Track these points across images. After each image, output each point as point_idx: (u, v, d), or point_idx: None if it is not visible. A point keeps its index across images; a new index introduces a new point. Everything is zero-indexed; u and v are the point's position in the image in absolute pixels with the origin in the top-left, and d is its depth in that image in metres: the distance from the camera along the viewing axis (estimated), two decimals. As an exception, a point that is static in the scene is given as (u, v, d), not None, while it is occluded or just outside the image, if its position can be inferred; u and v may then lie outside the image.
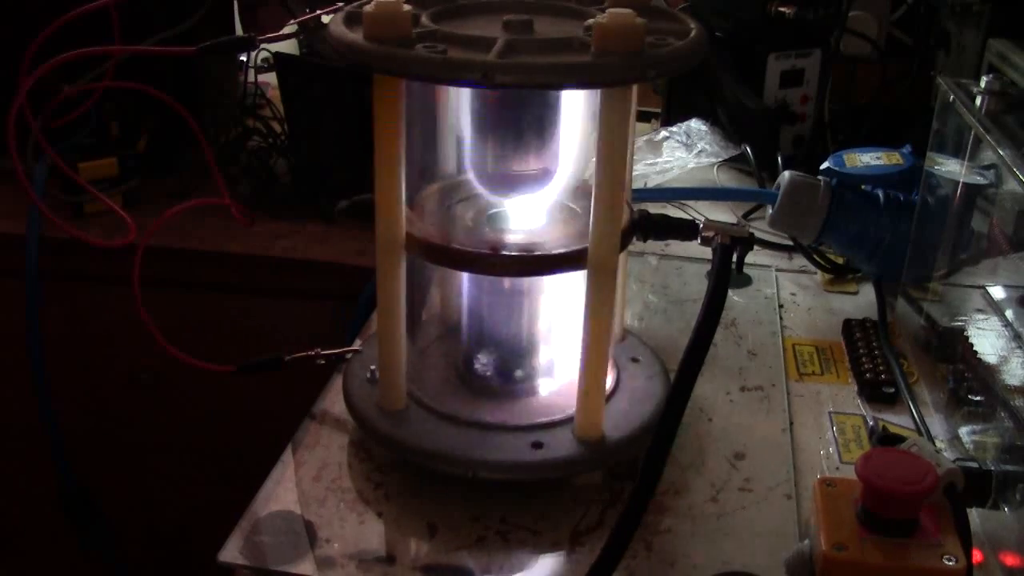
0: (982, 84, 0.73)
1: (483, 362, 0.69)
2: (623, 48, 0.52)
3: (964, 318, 0.81)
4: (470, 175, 0.68)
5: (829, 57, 1.16)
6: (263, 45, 0.80)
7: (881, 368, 0.78)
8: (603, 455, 0.63)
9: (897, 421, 0.73)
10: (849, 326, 0.85)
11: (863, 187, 0.87)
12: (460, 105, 0.63)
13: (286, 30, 0.78)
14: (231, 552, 0.58)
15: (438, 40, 0.54)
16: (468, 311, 0.69)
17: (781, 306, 0.90)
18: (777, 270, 0.96)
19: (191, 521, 1.25)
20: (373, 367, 0.68)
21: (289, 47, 1.16)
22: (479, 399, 0.68)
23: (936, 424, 0.72)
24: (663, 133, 1.16)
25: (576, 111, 0.62)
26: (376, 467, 0.66)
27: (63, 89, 0.98)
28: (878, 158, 0.88)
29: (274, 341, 0.76)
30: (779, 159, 1.05)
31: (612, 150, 0.56)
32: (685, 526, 0.62)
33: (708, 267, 0.59)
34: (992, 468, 0.59)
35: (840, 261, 0.94)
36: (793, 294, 0.92)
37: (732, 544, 0.61)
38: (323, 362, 0.73)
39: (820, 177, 0.87)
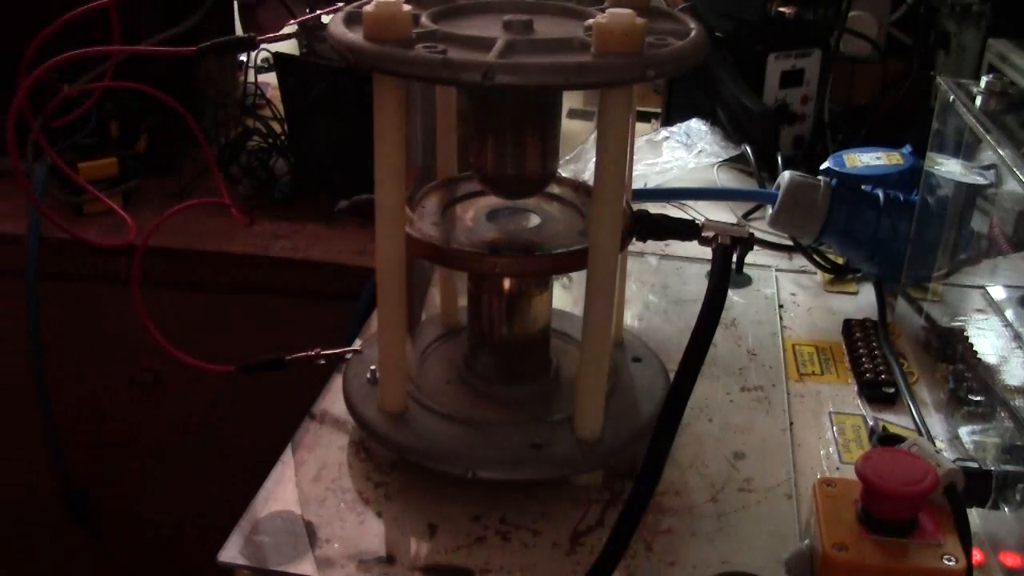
0: (982, 84, 0.73)
1: (483, 362, 0.69)
2: (623, 48, 0.52)
3: (964, 318, 0.81)
4: (470, 175, 0.68)
5: (829, 57, 1.16)
6: (263, 45, 0.80)
7: (881, 368, 0.78)
8: (603, 455, 0.63)
9: (897, 421, 0.73)
10: (849, 326, 0.85)
11: (863, 187, 0.87)
12: (460, 105, 0.63)
13: (286, 30, 0.78)
14: (231, 552, 0.58)
15: (438, 40, 0.54)
16: (468, 311, 0.69)
17: (781, 306, 0.90)
18: (777, 270, 0.96)
19: (191, 521, 1.25)
20: (373, 367, 0.68)
21: (289, 47, 1.16)
22: (479, 399, 0.68)
23: (936, 424, 0.72)
24: (663, 133, 1.16)
25: (575, 111, 0.62)
26: (376, 467, 0.66)
27: (63, 89, 0.98)
28: (878, 158, 0.88)
29: (274, 341, 0.76)
30: (779, 159, 1.05)
31: (612, 150, 0.56)
32: (685, 526, 0.62)
33: (708, 267, 0.59)
34: (992, 468, 0.59)
35: (840, 261, 0.94)
36: (793, 294, 0.92)
37: (732, 544, 0.61)
38: (323, 362, 0.73)
39: (820, 177, 0.87)
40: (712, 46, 1.17)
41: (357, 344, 0.74)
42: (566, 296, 0.84)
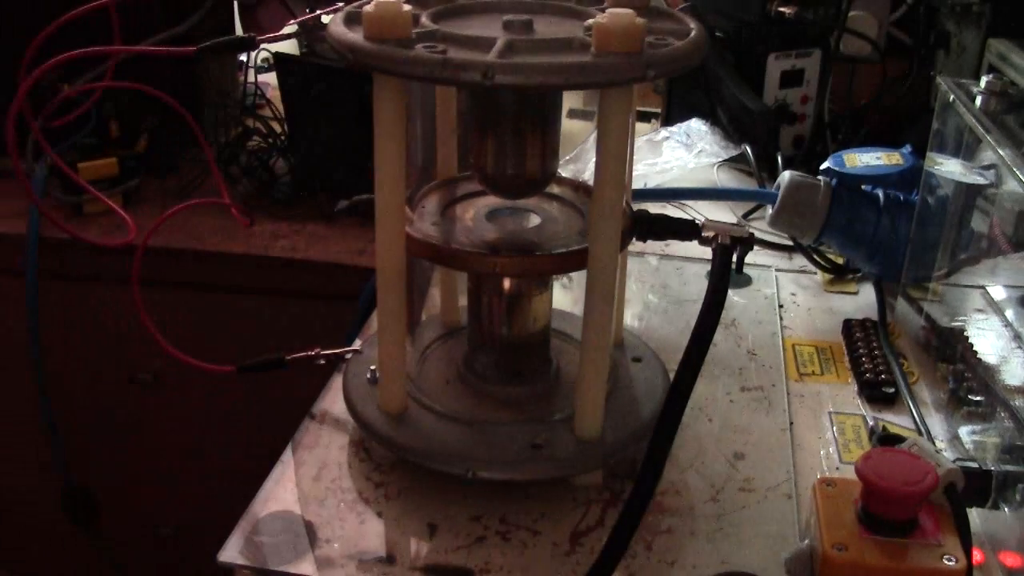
0: (982, 84, 0.73)
1: (483, 362, 0.69)
2: (623, 48, 0.52)
3: (964, 318, 0.81)
4: (470, 175, 0.68)
5: (829, 57, 1.16)
6: (263, 45, 0.80)
7: (881, 368, 0.78)
8: (603, 455, 0.63)
9: (897, 421, 0.73)
10: (849, 326, 0.85)
11: (863, 187, 0.87)
12: (460, 105, 0.63)
13: (286, 30, 0.78)
14: (231, 552, 0.58)
15: (438, 40, 0.54)
16: (468, 311, 0.69)
17: (781, 306, 0.90)
18: (777, 270, 0.96)
19: (191, 521, 1.25)
20: (373, 367, 0.68)
21: (289, 47, 1.16)
22: (479, 399, 0.68)
23: (936, 424, 0.72)
24: (663, 133, 1.16)
25: (575, 111, 0.62)
26: (376, 467, 0.66)
27: (63, 89, 0.98)
28: (878, 158, 0.88)
29: (274, 341, 0.77)
30: (779, 159, 1.05)
31: (612, 150, 0.56)
32: (685, 526, 0.62)
33: (708, 267, 0.59)
34: (992, 468, 0.59)
35: (840, 261, 0.94)
36: (793, 294, 0.92)
37: (732, 544, 0.61)
38: (323, 362, 0.73)
39: (820, 177, 0.87)
40: (712, 46, 1.17)
41: (357, 344, 0.74)
42: (566, 296, 0.85)
